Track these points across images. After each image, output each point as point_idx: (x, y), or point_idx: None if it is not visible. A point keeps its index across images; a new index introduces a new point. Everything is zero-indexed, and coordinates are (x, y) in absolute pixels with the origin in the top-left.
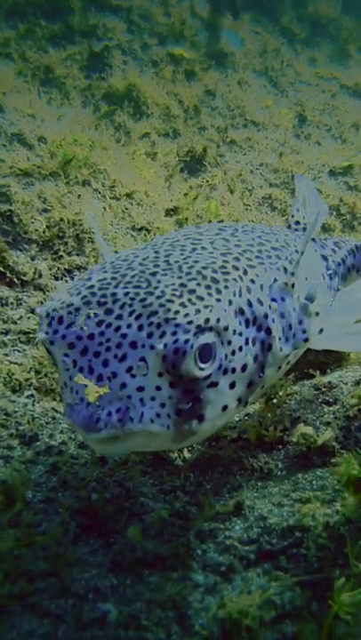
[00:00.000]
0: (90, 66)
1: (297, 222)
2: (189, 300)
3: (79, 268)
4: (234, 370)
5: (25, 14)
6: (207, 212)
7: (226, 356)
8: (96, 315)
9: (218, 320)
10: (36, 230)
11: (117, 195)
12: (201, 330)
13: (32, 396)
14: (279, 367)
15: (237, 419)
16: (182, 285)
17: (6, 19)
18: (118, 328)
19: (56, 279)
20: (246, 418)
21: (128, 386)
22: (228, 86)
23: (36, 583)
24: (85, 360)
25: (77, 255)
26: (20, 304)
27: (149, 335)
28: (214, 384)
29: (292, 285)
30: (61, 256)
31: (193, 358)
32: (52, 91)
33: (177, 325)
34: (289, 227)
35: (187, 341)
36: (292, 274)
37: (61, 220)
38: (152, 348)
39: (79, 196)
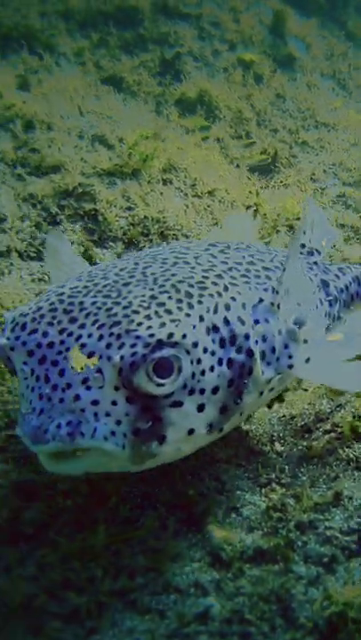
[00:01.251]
0: (162, 72)
1: (302, 245)
2: (156, 312)
3: None
4: (203, 391)
5: (97, 24)
6: (284, 211)
7: (193, 375)
8: (59, 322)
9: (184, 336)
10: (121, 228)
11: (199, 192)
12: (161, 345)
13: None
14: (261, 393)
15: (329, 410)
16: (152, 297)
17: (80, 29)
18: (79, 337)
19: None
20: (338, 409)
21: (82, 398)
22: (297, 89)
23: (137, 579)
24: (43, 369)
25: None
26: None
27: (108, 346)
28: (177, 403)
29: (278, 306)
30: None
31: (145, 373)
32: (126, 97)
33: (137, 337)
34: None
35: (144, 355)
36: (277, 292)
37: (145, 217)
38: (109, 359)
39: (161, 193)
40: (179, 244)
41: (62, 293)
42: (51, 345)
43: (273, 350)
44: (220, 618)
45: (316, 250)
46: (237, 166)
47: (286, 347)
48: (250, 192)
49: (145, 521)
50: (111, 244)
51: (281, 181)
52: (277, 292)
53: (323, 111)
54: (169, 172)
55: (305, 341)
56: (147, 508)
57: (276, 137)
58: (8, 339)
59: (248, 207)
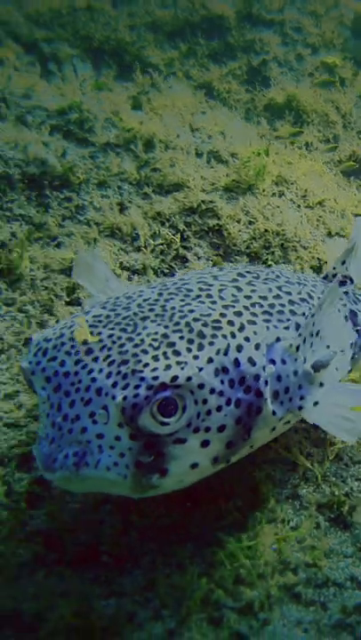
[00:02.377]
0: (250, 80)
1: (333, 275)
2: (164, 353)
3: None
4: (208, 429)
5: (185, 34)
6: None
7: (199, 414)
8: (77, 352)
9: (189, 378)
10: (244, 242)
11: (310, 204)
12: (165, 387)
13: None
14: (273, 428)
15: None
16: (164, 336)
17: (168, 40)
18: (91, 371)
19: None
20: None
21: (88, 431)
22: None
23: (300, 574)
24: (57, 397)
25: (284, 263)
26: None
27: (114, 384)
28: (181, 440)
29: (297, 348)
30: (270, 265)
31: (150, 414)
32: (217, 105)
33: (141, 379)
34: (326, 277)
35: (147, 397)
36: (300, 334)
37: (266, 230)
38: (113, 398)
39: (277, 206)
40: (209, 272)
41: (85, 321)
42: (66, 375)
43: (286, 390)
44: None
45: (350, 278)
46: (335, 174)
47: (300, 387)
48: (359, 201)
49: (299, 521)
50: (236, 257)
51: None
52: (300, 334)
53: None
54: (281, 184)
55: (321, 384)
56: (299, 509)
57: None
58: (30, 362)
59: (356, 215)
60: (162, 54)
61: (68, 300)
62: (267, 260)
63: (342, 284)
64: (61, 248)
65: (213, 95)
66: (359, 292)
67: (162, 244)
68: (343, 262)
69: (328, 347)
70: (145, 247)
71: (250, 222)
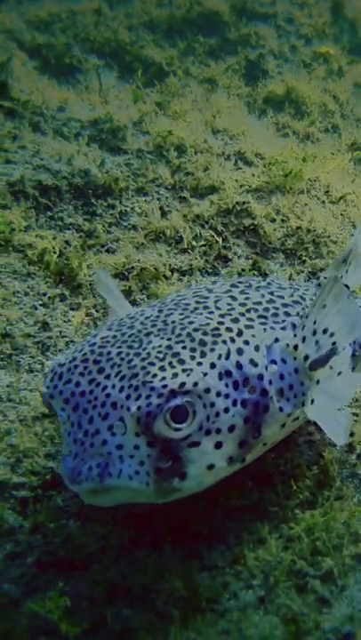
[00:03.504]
0: (248, 74)
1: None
2: (170, 363)
3: (321, 270)
4: (219, 430)
5: (183, 32)
6: None
7: (208, 417)
8: (90, 372)
9: (195, 384)
10: (279, 239)
11: (333, 199)
12: (175, 394)
13: None
14: (283, 425)
15: None
16: (168, 348)
17: (166, 37)
18: (105, 388)
19: (305, 281)
20: None
21: (108, 443)
22: None
23: None
24: (76, 416)
25: (317, 259)
26: None
27: (127, 397)
28: (195, 444)
29: (295, 347)
30: (304, 261)
31: (164, 421)
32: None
33: (152, 389)
34: (319, 285)
35: (159, 405)
36: (299, 334)
37: (298, 228)
38: (128, 409)
39: (305, 204)
40: (204, 287)
41: (94, 344)
42: (82, 394)
43: (291, 387)
44: None
45: (346, 286)
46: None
47: (302, 384)
48: None
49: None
50: (273, 254)
51: None
52: (297, 335)
53: None
54: (307, 182)
55: (317, 382)
56: (359, 487)
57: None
58: (48, 387)
59: None
60: (161, 53)
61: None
62: (301, 255)
63: None
64: (112, 253)
65: (218, 92)
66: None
67: (204, 245)
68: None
69: (334, 343)
70: (190, 249)
71: (283, 220)
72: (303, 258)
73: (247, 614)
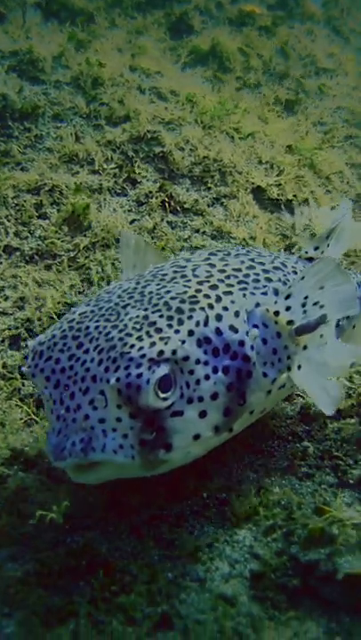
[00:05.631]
0: (173, 28)
1: (309, 259)
2: (147, 332)
3: (225, 196)
4: (201, 398)
5: None
6: (303, 150)
7: (188, 385)
8: (69, 348)
9: (174, 351)
10: (186, 167)
11: (242, 135)
12: (155, 363)
13: None
14: (269, 392)
15: None
16: (145, 317)
17: None
18: (84, 362)
19: (208, 206)
20: None
21: (91, 417)
22: (296, 37)
23: None
24: (58, 392)
25: (222, 186)
26: (186, 226)
27: (106, 369)
28: (178, 413)
29: (276, 313)
30: (210, 187)
31: (152, 391)
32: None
33: (130, 359)
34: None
35: (139, 375)
36: (287, 297)
37: (205, 157)
38: (108, 381)
39: (215, 137)
40: (182, 257)
41: (72, 320)
42: (63, 370)
43: (274, 352)
44: (313, 456)
45: None
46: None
47: (286, 347)
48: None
49: None
50: (180, 180)
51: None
52: (284, 301)
53: (322, 57)
54: (217, 119)
55: (305, 347)
56: None
57: (282, 84)
58: (29, 367)
59: (288, 147)
60: (88, 5)
61: (37, 214)
62: (207, 182)
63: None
64: (26, 172)
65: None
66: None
67: (114, 168)
68: (316, 248)
69: (323, 314)
70: (101, 171)
71: (191, 150)
72: (209, 185)
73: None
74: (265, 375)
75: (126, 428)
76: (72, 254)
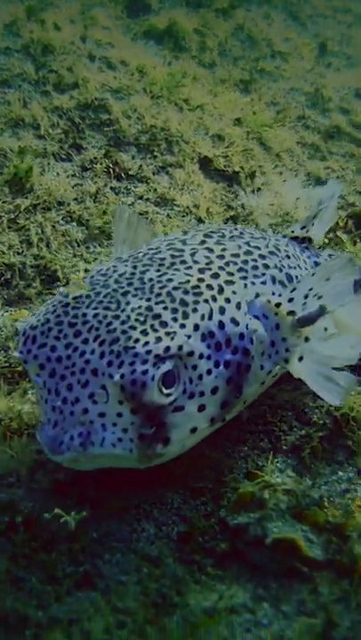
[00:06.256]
0: (130, 7)
1: (295, 238)
2: (152, 326)
3: (171, 165)
4: (202, 393)
5: None
6: (254, 125)
7: (191, 380)
8: (65, 336)
9: (180, 347)
10: (133, 135)
11: (192, 107)
12: (161, 359)
13: None
14: (263, 382)
15: None
16: (148, 309)
17: None
18: (83, 353)
19: (154, 174)
20: None
21: (90, 411)
22: (253, 20)
23: None
24: (53, 382)
25: (168, 155)
26: (130, 192)
27: (109, 364)
28: (179, 408)
29: (278, 305)
30: (156, 156)
31: (157, 388)
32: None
33: (135, 355)
34: (284, 237)
35: (145, 372)
36: (289, 297)
37: (152, 126)
38: (111, 377)
39: (163, 107)
40: (175, 238)
41: (67, 304)
42: (59, 359)
43: (272, 344)
44: (247, 421)
45: (309, 239)
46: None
47: (284, 339)
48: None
49: None
50: (126, 147)
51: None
52: (288, 293)
53: (278, 41)
54: (166, 90)
55: (307, 339)
56: None
57: (237, 65)
58: (21, 352)
59: (237, 120)
60: None
61: None
62: (153, 150)
63: (302, 243)
64: None
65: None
66: (318, 249)
67: (60, 134)
68: (303, 227)
69: (322, 306)
70: (47, 136)
71: (138, 118)
72: (155, 153)
73: None
74: (262, 368)
75: (127, 423)
76: (12, 215)
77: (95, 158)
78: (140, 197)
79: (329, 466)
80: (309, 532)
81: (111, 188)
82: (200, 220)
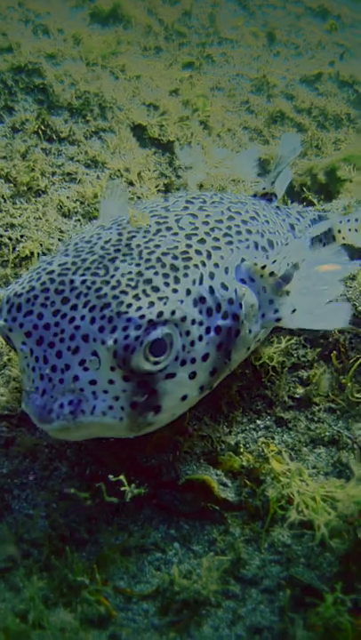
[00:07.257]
0: None
1: (265, 195)
2: (144, 291)
3: (104, 130)
4: (194, 360)
5: None
6: (198, 105)
7: (184, 347)
8: (53, 303)
9: (173, 312)
10: (66, 99)
11: (128, 77)
12: (153, 325)
13: (78, 220)
14: (249, 347)
15: None
16: (139, 274)
17: None
18: (72, 319)
19: (86, 138)
20: None
21: (80, 379)
22: (200, 7)
23: None
24: (41, 350)
25: (101, 121)
26: (61, 154)
27: (101, 329)
28: (171, 375)
29: (263, 267)
30: (89, 121)
31: (143, 354)
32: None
33: (128, 320)
34: (255, 195)
35: (137, 337)
36: (269, 258)
37: (86, 91)
38: (103, 342)
39: (99, 74)
40: (157, 204)
41: (52, 271)
42: (47, 327)
43: (259, 306)
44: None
45: (275, 194)
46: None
47: (271, 301)
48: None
49: None
50: (59, 111)
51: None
52: (275, 260)
53: (225, 28)
54: (104, 58)
55: (287, 293)
56: None
57: (182, 50)
58: (5, 320)
59: (174, 91)
60: None
61: None
62: (86, 115)
63: (268, 200)
64: None
65: None
66: (288, 207)
67: None
68: (273, 182)
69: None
70: None
71: (71, 84)
72: (88, 118)
73: None
74: (250, 331)
75: (118, 390)
76: None
77: (27, 120)
78: (71, 159)
79: (247, 415)
80: (223, 476)
81: (42, 149)
82: (131, 184)
